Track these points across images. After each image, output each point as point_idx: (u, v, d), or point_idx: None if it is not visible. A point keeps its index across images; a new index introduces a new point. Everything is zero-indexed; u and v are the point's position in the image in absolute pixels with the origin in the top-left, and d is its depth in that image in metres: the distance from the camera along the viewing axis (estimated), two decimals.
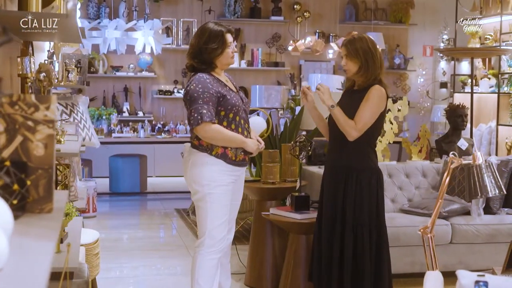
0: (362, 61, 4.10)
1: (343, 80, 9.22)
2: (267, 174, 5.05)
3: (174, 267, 5.79)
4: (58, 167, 4.29)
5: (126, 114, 10.68)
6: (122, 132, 9.02)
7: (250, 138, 4.18)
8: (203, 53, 4.07)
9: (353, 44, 4.13)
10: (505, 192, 2.99)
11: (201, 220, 4.10)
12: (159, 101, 11.09)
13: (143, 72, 10.90)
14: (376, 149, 6.04)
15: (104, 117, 9.06)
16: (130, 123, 9.81)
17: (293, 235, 4.76)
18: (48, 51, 5.68)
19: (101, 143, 8.98)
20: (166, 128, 9.42)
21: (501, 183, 2.86)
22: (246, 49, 11.40)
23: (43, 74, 3.71)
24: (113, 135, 8.97)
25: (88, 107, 10.61)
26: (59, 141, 4.06)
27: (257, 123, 4.97)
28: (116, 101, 10.91)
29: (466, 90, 9.84)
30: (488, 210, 5.37)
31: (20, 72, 3.88)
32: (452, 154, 3.03)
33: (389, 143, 5.94)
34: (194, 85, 4.01)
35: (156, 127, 9.39)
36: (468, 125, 7.31)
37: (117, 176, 9.34)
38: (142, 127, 9.15)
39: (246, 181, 5.13)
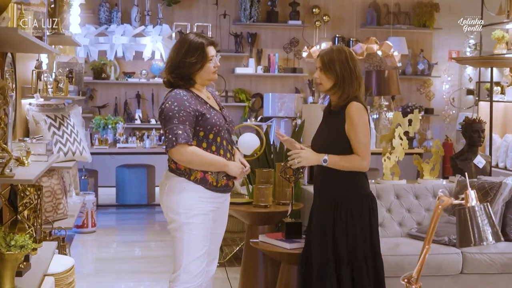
0: (338, 77, 3.67)
1: None
2: (259, 196, 4.64)
3: None
4: (28, 189, 3.96)
5: (138, 121, 10.37)
6: (127, 142, 8.67)
7: (234, 160, 3.80)
8: (181, 67, 3.70)
9: (329, 56, 3.70)
10: (503, 240, 2.55)
11: (177, 252, 3.71)
12: None
13: (155, 79, 10.57)
14: (386, 166, 5.66)
15: (110, 126, 8.73)
16: (137, 132, 9.46)
17: (284, 265, 4.34)
18: (37, 60, 5.35)
19: (106, 153, 8.72)
20: None
21: (498, 229, 2.43)
22: (263, 54, 11.00)
23: None
24: (118, 145, 8.62)
25: (99, 113, 10.37)
26: (22, 163, 3.71)
27: (248, 140, 4.52)
28: (128, 108, 10.61)
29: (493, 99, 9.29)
30: (504, 236, 4.88)
31: None
32: (441, 191, 2.60)
33: (399, 160, 5.51)
34: (169, 103, 3.64)
35: (163, 137, 9.02)
36: (488, 140, 6.84)
37: (124, 188, 9.01)
38: (148, 137, 8.80)
39: (236, 204, 4.75)
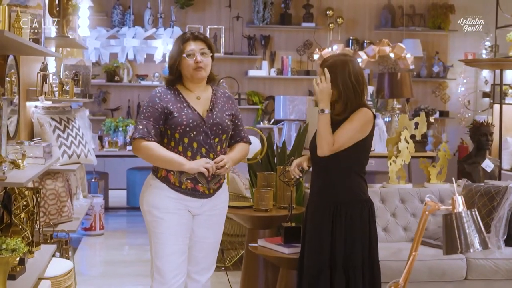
0: (340, 92, 3.60)
1: (373, 90, 8.68)
2: (260, 200, 4.59)
3: None
4: (26, 192, 3.95)
5: None
6: None
7: None
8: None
9: (332, 70, 3.60)
10: (489, 247, 2.48)
11: (150, 251, 3.76)
12: None
13: None
14: (395, 169, 5.58)
15: (120, 128, 8.73)
16: None
17: (283, 270, 4.29)
18: (42, 63, 5.36)
19: (116, 156, 8.72)
20: None
21: (485, 235, 2.35)
22: (276, 57, 10.95)
23: None
24: (128, 147, 8.61)
25: (112, 116, 10.38)
26: (17, 166, 3.70)
27: None
28: None
29: (507, 101, 9.16)
30: (510, 242, 4.79)
31: None
32: (428, 197, 2.55)
33: (407, 163, 5.43)
34: (146, 98, 3.70)
35: None
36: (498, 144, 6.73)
37: (134, 190, 8.99)
38: None
39: (236, 207, 4.72)
